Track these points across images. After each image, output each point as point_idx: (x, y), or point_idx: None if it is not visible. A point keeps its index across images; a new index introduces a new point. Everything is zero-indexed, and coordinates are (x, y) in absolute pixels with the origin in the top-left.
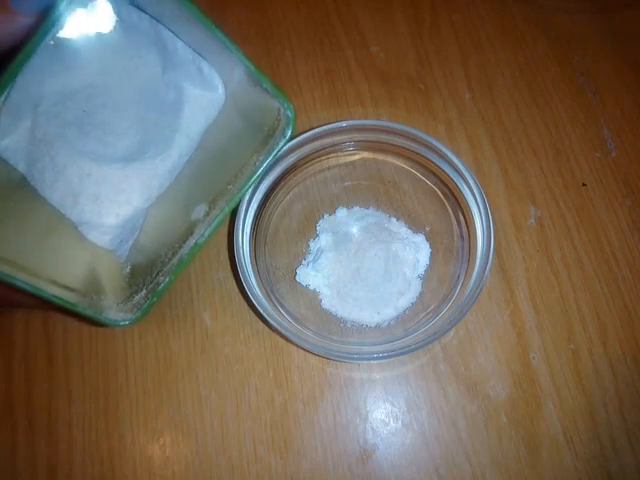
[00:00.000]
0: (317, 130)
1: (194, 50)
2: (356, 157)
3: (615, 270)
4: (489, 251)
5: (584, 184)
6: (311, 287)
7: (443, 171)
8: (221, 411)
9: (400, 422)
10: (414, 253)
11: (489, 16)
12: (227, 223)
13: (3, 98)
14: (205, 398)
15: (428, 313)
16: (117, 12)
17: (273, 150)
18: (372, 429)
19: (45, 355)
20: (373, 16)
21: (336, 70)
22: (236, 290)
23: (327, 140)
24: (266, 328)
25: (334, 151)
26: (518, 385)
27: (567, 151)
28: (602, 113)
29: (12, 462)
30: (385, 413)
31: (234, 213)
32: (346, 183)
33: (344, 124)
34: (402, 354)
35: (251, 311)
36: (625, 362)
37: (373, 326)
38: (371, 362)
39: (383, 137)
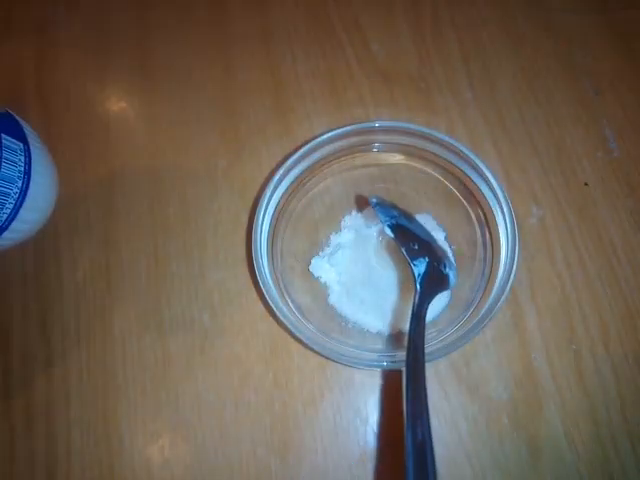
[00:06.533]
0: (358, 126)
1: None
2: (396, 160)
3: (617, 270)
4: (505, 287)
5: (586, 184)
6: (322, 280)
7: (484, 197)
8: (220, 413)
9: None
10: None
11: (490, 15)
12: (249, 204)
13: None
14: (204, 399)
15: (432, 332)
16: None
17: None
18: (373, 431)
19: (43, 356)
20: (374, 15)
21: (337, 69)
22: (235, 291)
23: (367, 137)
24: (266, 329)
25: (369, 150)
26: (520, 386)
27: (569, 151)
28: (604, 112)
29: (10, 463)
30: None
31: (260, 191)
32: (381, 185)
33: (392, 124)
34: (396, 367)
35: (250, 312)
36: (627, 363)
37: (374, 332)
38: (365, 369)
39: (427, 145)
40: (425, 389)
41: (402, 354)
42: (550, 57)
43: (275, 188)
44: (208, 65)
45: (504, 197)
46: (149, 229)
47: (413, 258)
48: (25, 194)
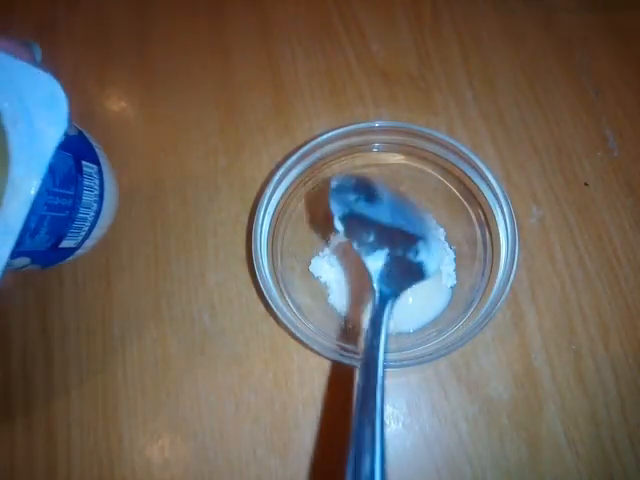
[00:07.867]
0: (358, 126)
1: None
2: (396, 160)
3: (617, 270)
4: (505, 287)
5: (586, 183)
6: (322, 279)
7: (484, 197)
8: (220, 413)
9: (401, 424)
10: None
11: (490, 14)
12: (249, 204)
13: None
14: (204, 399)
15: (431, 333)
16: None
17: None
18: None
19: (43, 355)
20: (374, 15)
21: (337, 69)
22: (235, 291)
23: (367, 137)
24: (266, 329)
25: (369, 150)
26: (520, 386)
27: (569, 150)
28: (604, 112)
29: (11, 463)
30: (386, 415)
31: (260, 191)
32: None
33: (392, 124)
34: (393, 367)
35: (250, 312)
36: (627, 363)
37: None
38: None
39: (427, 145)
40: (377, 414)
41: (400, 355)
42: (550, 57)
43: (275, 188)
44: (208, 64)
45: (504, 197)
46: (149, 229)
47: (368, 252)
48: (99, 215)
